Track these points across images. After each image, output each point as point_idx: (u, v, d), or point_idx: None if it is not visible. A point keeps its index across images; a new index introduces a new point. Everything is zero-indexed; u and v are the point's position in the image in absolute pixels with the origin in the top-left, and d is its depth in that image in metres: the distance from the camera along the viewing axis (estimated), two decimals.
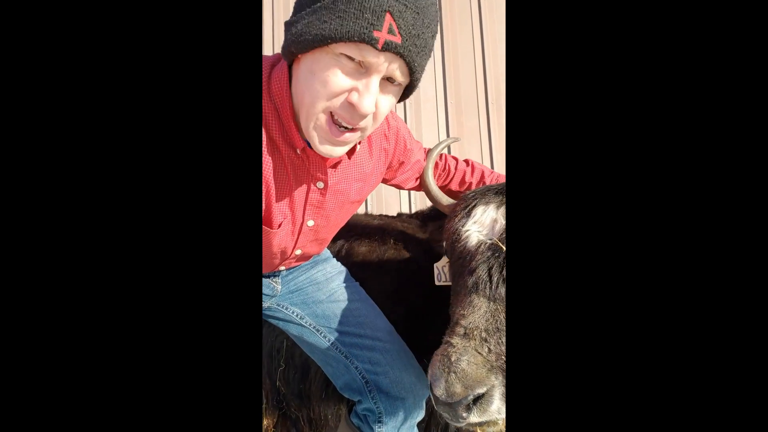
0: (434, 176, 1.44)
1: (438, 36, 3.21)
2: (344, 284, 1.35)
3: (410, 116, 3.13)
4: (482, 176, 1.47)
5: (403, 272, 1.50)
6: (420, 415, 1.23)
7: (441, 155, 1.50)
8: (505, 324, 0.93)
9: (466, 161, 1.51)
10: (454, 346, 0.87)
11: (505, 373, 0.87)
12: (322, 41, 0.75)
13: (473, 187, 1.48)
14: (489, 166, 3.13)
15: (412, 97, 3.18)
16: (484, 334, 0.89)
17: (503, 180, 1.52)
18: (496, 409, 0.85)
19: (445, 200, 1.32)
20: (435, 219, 1.67)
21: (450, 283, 1.31)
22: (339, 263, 1.45)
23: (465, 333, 0.89)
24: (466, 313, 0.93)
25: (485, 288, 0.96)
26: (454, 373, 0.83)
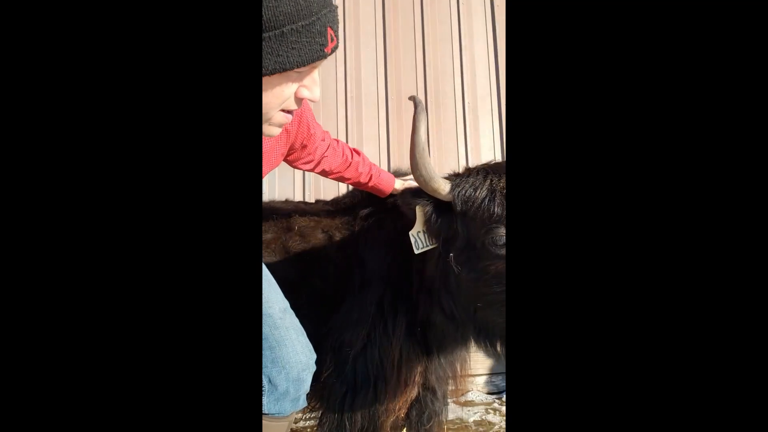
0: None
1: (381, 33, 3.27)
2: None
3: (351, 111, 3.15)
4: (370, 168, 1.60)
5: (305, 259, 1.52)
6: (305, 388, 1.25)
7: (338, 142, 1.56)
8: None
9: (357, 152, 1.63)
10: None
11: None
12: (280, 71, 0.76)
13: (362, 177, 1.59)
14: None
15: (353, 91, 3.25)
16: None
17: (385, 175, 1.63)
18: None
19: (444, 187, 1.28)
20: (349, 207, 1.69)
21: (430, 247, 1.32)
22: None
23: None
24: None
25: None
26: None
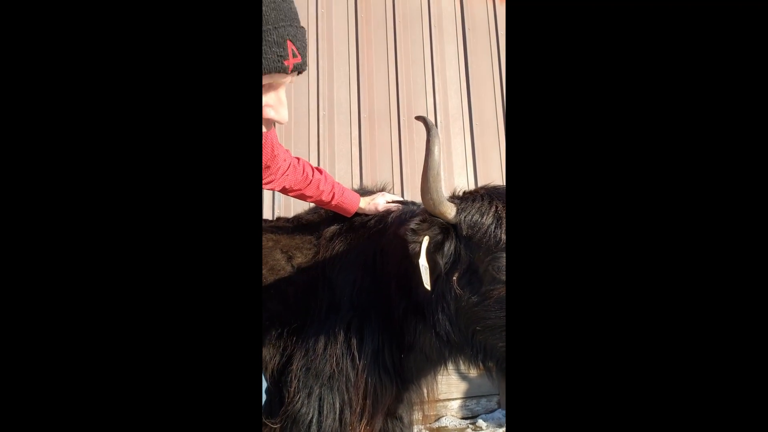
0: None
1: (354, 52, 3.26)
2: None
3: (323, 127, 3.10)
4: (333, 186, 1.56)
5: (263, 282, 1.44)
6: None
7: (299, 160, 1.53)
8: None
9: (320, 170, 1.60)
10: None
11: None
12: None
13: (324, 195, 1.54)
14: (399, 179, 3.15)
15: (326, 108, 3.20)
16: None
17: (349, 193, 1.57)
18: None
19: (451, 211, 1.25)
20: (313, 225, 1.62)
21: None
22: None
23: None
24: None
25: None
26: None
